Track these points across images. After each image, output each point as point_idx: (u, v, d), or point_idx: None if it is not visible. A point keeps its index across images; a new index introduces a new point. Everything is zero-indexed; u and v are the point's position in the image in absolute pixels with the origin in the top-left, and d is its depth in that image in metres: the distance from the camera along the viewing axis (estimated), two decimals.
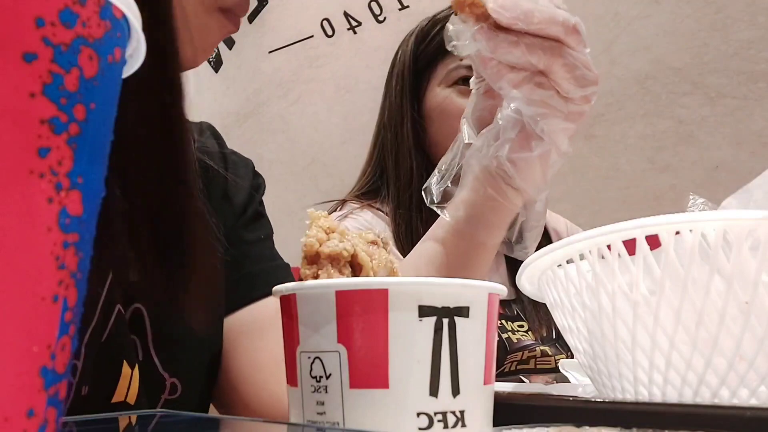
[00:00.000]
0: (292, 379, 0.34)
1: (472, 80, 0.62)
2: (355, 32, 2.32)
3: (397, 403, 0.30)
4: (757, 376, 0.36)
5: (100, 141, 0.18)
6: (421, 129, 1.11)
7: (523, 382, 0.59)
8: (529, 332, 1.08)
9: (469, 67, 1.06)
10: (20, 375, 0.16)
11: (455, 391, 0.31)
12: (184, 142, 0.54)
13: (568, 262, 0.42)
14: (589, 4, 1.80)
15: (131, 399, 0.51)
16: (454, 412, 0.31)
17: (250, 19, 2.52)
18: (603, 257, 0.40)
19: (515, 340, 1.05)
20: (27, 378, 0.16)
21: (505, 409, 0.36)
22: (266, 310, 0.62)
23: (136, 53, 0.20)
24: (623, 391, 0.41)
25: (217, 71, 2.62)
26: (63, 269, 0.17)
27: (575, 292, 0.42)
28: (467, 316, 0.32)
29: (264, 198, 0.70)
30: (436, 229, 0.65)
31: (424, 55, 1.12)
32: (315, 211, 0.39)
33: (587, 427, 0.28)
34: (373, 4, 2.27)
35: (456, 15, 0.55)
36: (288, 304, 0.34)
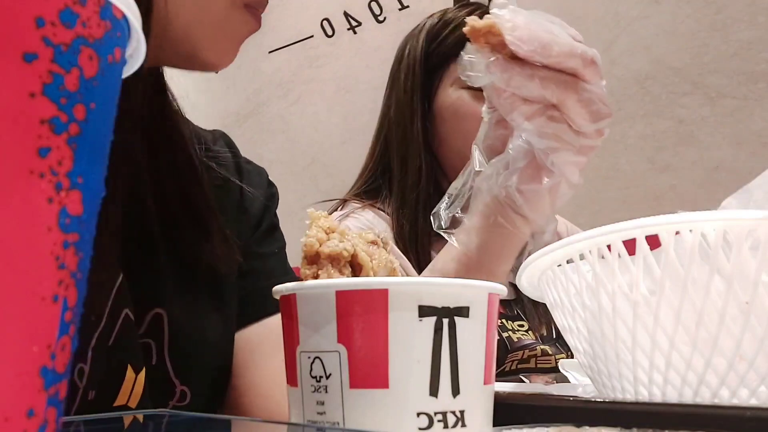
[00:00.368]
0: (292, 379, 0.34)
1: (484, 108, 0.61)
2: (355, 32, 2.32)
3: (397, 403, 0.30)
4: (757, 376, 0.36)
5: (100, 141, 0.18)
6: (431, 127, 1.09)
7: (523, 382, 0.59)
8: (530, 331, 1.08)
9: None
10: (20, 375, 0.16)
11: (455, 391, 0.31)
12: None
13: (568, 262, 0.42)
14: (589, 4, 1.80)
15: (133, 403, 0.51)
16: (454, 412, 0.31)
17: None
18: (603, 257, 0.40)
19: (516, 339, 1.05)
20: (27, 378, 0.16)
21: (505, 409, 0.36)
22: (278, 327, 0.62)
23: (136, 53, 0.20)
24: (623, 391, 0.41)
25: (217, 71, 2.61)
26: (63, 269, 0.17)
27: (575, 292, 0.42)
28: (467, 316, 0.32)
29: None
30: (444, 256, 0.65)
31: (436, 54, 1.10)
32: (315, 211, 0.39)
33: (587, 427, 0.28)
34: (373, 4, 2.27)
35: (470, 43, 0.54)
36: (288, 304, 0.34)
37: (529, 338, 1.06)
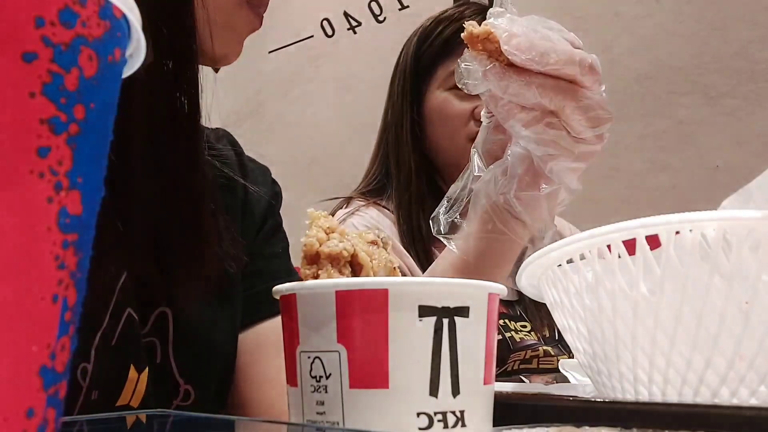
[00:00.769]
0: (292, 379, 0.34)
1: (482, 113, 0.62)
2: (355, 32, 2.32)
3: (397, 403, 0.30)
4: (757, 376, 0.36)
5: (100, 141, 0.18)
6: (420, 131, 1.12)
7: (524, 382, 0.59)
8: (532, 332, 1.08)
9: None
10: (19, 375, 0.15)
11: (455, 391, 0.31)
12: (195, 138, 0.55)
13: (568, 262, 0.42)
14: (589, 4, 1.80)
15: (135, 403, 0.51)
16: (454, 412, 0.31)
17: None
18: (603, 257, 0.40)
19: (518, 340, 1.05)
20: (26, 378, 0.16)
21: (505, 409, 0.36)
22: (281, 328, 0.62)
23: (136, 53, 0.20)
24: (623, 391, 0.41)
25: (217, 71, 2.62)
26: (63, 269, 0.17)
27: (575, 292, 0.42)
28: (467, 316, 0.32)
29: None
30: (442, 263, 0.65)
31: (425, 56, 1.13)
32: (315, 211, 0.39)
33: (587, 427, 0.28)
34: (373, 4, 2.27)
35: (468, 49, 0.54)
36: (288, 304, 0.34)
37: (531, 339, 1.07)
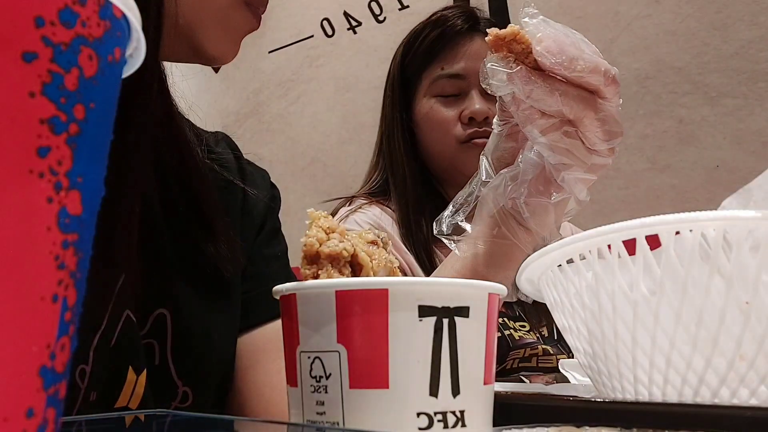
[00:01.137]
0: (292, 379, 0.34)
1: (495, 120, 0.62)
2: (355, 32, 2.32)
3: (397, 403, 0.30)
4: (757, 376, 0.36)
5: (100, 140, 0.18)
6: (412, 137, 1.16)
7: (523, 381, 0.59)
8: (531, 332, 1.09)
9: (449, 77, 1.13)
10: (19, 375, 0.15)
11: (455, 391, 0.31)
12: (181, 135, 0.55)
13: (568, 262, 0.42)
14: (589, 4, 1.80)
15: (134, 404, 0.51)
16: (454, 412, 0.31)
17: None
18: (603, 257, 0.40)
19: (517, 338, 1.06)
20: (26, 378, 0.16)
21: (505, 409, 0.36)
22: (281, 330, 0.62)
23: (136, 53, 0.20)
24: (623, 391, 0.41)
25: (217, 71, 2.62)
26: (63, 269, 0.17)
27: (575, 292, 0.42)
28: (467, 316, 0.32)
29: None
30: (444, 271, 0.65)
31: (410, 65, 1.17)
32: (315, 211, 0.39)
33: (587, 427, 0.28)
34: (373, 4, 2.27)
35: (491, 52, 0.54)
36: (288, 304, 0.34)
37: (530, 337, 1.07)
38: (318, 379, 0.32)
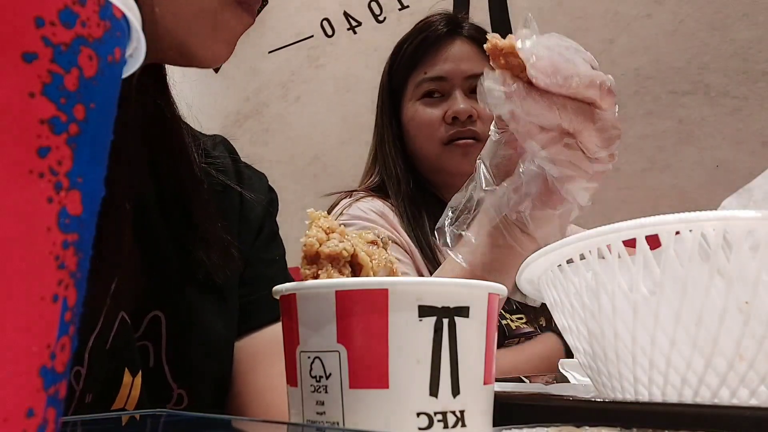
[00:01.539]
0: (292, 379, 0.34)
1: (492, 128, 0.62)
2: (355, 32, 2.32)
3: (397, 403, 0.30)
4: (757, 376, 0.36)
5: (100, 141, 0.18)
6: (402, 141, 1.21)
7: (523, 382, 0.59)
8: (529, 323, 1.12)
9: (432, 80, 1.18)
10: (19, 375, 0.15)
11: (455, 391, 0.31)
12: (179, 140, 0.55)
13: (568, 262, 0.42)
14: (589, 4, 1.80)
15: (131, 406, 0.51)
16: (454, 412, 0.31)
17: None
18: (603, 257, 0.40)
19: (514, 327, 1.08)
20: (26, 378, 0.16)
21: (505, 409, 0.36)
22: (280, 334, 0.62)
23: (136, 53, 0.20)
24: (623, 391, 0.41)
25: (217, 71, 2.62)
26: (63, 269, 0.17)
27: (575, 292, 0.42)
28: (467, 316, 0.32)
29: None
30: (445, 272, 0.65)
31: (397, 72, 1.22)
32: (315, 211, 0.39)
33: (587, 427, 0.28)
34: (373, 4, 2.27)
35: (489, 65, 0.54)
36: (288, 304, 0.34)
37: (528, 328, 1.10)
38: (318, 378, 0.32)
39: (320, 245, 0.38)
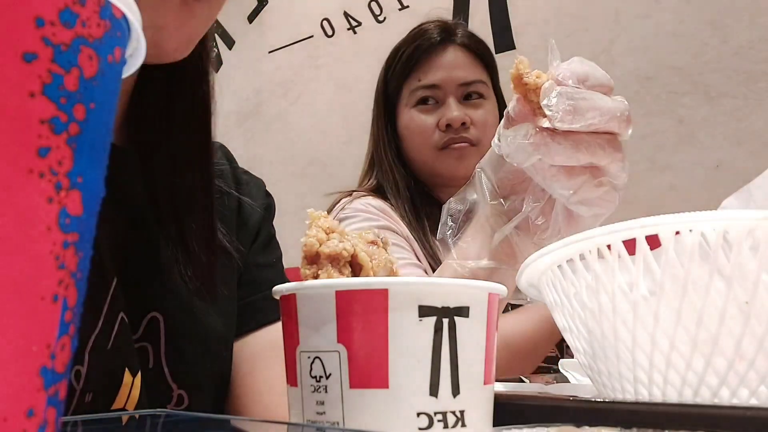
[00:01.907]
0: (292, 379, 0.34)
1: (494, 142, 0.60)
2: (355, 32, 2.32)
3: (397, 403, 0.30)
4: (757, 376, 0.36)
5: (100, 141, 0.18)
6: (397, 147, 1.24)
7: (523, 382, 0.59)
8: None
9: (426, 87, 1.20)
10: (19, 375, 0.15)
11: (455, 391, 0.31)
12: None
13: (567, 262, 0.42)
14: (589, 4, 1.80)
15: (131, 407, 0.51)
16: (454, 412, 0.31)
17: (250, 19, 2.52)
18: (603, 257, 0.40)
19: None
20: (26, 378, 0.16)
21: (505, 409, 0.36)
22: (278, 335, 0.63)
23: (136, 53, 0.20)
24: (623, 391, 0.41)
25: (217, 71, 2.62)
26: (63, 269, 0.17)
27: (575, 292, 0.42)
28: (467, 316, 0.32)
29: None
30: (445, 274, 0.65)
31: (392, 79, 1.25)
32: (315, 211, 0.39)
33: (587, 427, 0.28)
34: (373, 4, 2.27)
35: (512, 91, 0.54)
36: (288, 304, 0.34)
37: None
38: (318, 379, 0.32)
39: (320, 245, 0.38)
